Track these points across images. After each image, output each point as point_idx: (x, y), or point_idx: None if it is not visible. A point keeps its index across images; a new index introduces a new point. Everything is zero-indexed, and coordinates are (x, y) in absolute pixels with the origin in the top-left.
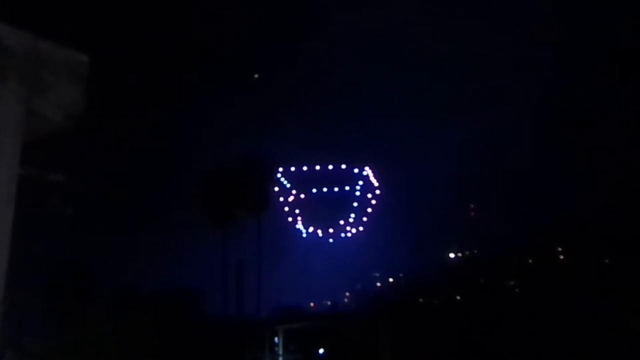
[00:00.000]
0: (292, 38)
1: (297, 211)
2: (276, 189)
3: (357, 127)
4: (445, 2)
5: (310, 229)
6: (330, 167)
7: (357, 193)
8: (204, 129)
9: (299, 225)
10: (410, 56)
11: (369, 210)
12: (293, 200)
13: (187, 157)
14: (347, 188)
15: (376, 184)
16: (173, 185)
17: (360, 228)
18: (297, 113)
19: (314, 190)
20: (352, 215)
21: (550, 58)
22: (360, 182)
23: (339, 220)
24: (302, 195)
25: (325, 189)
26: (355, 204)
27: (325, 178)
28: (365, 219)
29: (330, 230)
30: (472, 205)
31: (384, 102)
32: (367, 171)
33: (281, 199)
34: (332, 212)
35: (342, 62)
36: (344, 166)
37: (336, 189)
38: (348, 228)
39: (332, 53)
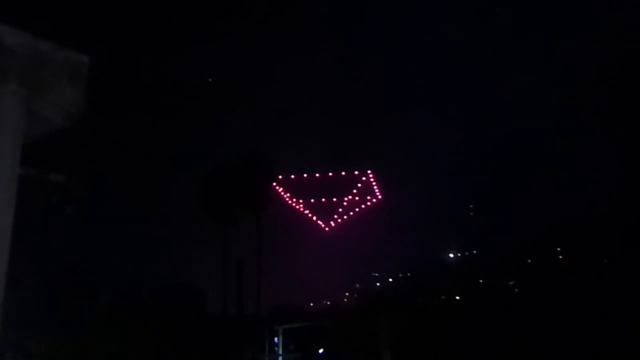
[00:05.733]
0: (293, 39)
1: (300, 206)
2: (277, 188)
3: (357, 129)
4: (445, 6)
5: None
6: (331, 174)
7: (357, 199)
8: (204, 128)
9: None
10: (412, 57)
11: (369, 211)
12: (293, 202)
13: (187, 156)
14: (345, 200)
15: (376, 187)
16: (173, 185)
17: (360, 228)
18: (297, 116)
19: (312, 200)
20: (352, 215)
21: (551, 57)
22: (361, 186)
23: (339, 218)
24: (302, 200)
25: (324, 200)
26: (355, 207)
27: (325, 185)
28: (364, 220)
29: (332, 224)
30: (471, 206)
31: (384, 103)
32: (369, 175)
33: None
34: (331, 212)
35: (344, 63)
36: (344, 173)
37: (335, 199)
38: (346, 217)
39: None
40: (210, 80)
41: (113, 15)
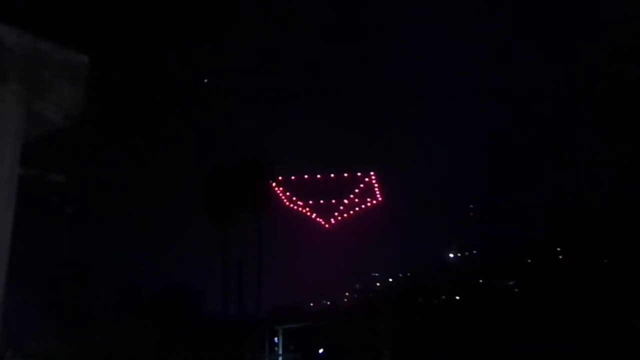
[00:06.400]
0: (294, 40)
1: (299, 206)
2: (277, 189)
3: (357, 129)
4: (448, 7)
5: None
6: (332, 175)
7: (357, 200)
8: (204, 128)
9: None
10: (412, 58)
11: (370, 211)
12: (293, 202)
13: (187, 156)
14: (345, 201)
15: (378, 188)
16: (173, 185)
17: (360, 228)
18: (298, 116)
19: (311, 202)
20: (352, 214)
21: (549, 55)
22: (363, 186)
23: (339, 216)
24: (302, 201)
25: (322, 201)
26: (355, 207)
27: (326, 186)
28: (365, 219)
29: (332, 222)
30: (471, 206)
31: (384, 104)
32: (371, 176)
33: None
34: (331, 212)
35: (345, 64)
36: (346, 174)
37: (334, 201)
38: (345, 215)
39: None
40: (205, 80)
41: (113, 15)
